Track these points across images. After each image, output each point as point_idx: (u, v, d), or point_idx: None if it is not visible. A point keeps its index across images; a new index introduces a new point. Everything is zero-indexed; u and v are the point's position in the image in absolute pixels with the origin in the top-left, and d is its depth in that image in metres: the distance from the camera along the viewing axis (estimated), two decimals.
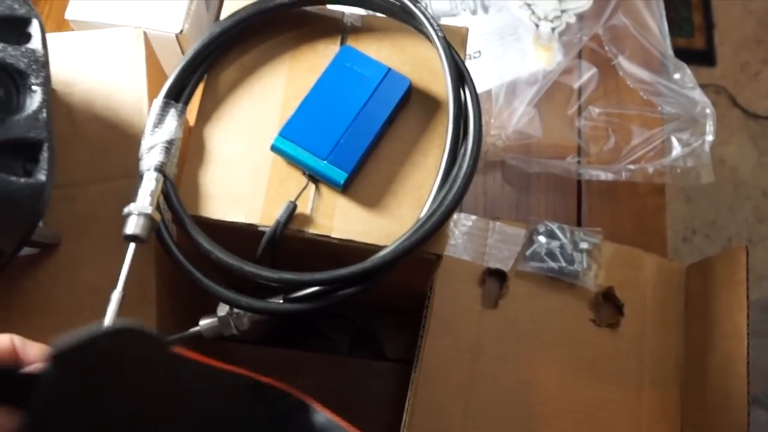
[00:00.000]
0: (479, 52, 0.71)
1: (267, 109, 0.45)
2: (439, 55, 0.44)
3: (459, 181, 0.41)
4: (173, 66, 0.44)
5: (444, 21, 0.71)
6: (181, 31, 0.58)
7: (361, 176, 0.43)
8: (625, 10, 0.73)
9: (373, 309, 0.65)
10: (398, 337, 0.65)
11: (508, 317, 0.60)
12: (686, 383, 0.59)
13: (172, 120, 0.43)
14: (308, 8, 0.47)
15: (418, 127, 0.45)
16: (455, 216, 0.63)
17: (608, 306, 0.61)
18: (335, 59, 0.45)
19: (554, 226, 0.62)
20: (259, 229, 0.42)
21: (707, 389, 0.56)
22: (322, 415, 0.32)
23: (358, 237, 0.42)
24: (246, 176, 0.43)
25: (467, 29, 0.47)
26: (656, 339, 0.61)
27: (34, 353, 0.31)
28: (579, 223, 0.68)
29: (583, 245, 0.62)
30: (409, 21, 0.46)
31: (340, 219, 0.42)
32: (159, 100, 0.43)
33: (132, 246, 0.38)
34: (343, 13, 0.47)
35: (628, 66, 0.70)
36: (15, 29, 0.40)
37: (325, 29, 0.47)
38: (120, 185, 0.46)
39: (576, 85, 0.71)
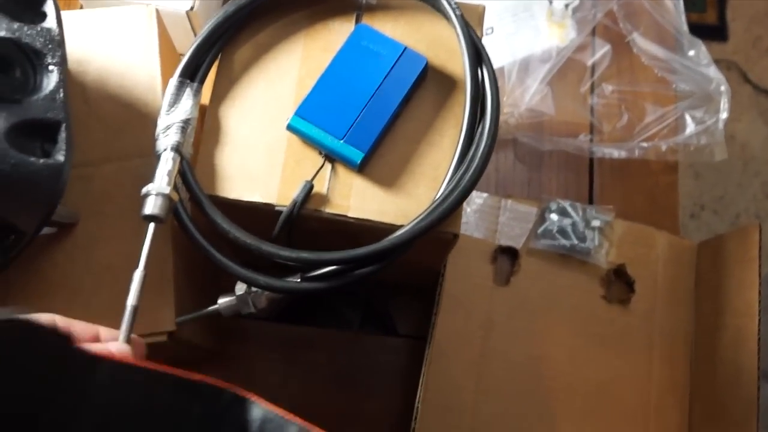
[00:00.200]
0: (492, 28, 0.70)
1: (282, 88, 0.45)
2: (457, 33, 0.44)
3: (476, 161, 0.41)
4: (183, 43, 0.44)
5: None
6: (192, 7, 0.57)
7: (378, 156, 0.43)
8: None
9: (389, 287, 0.65)
10: (410, 313, 0.65)
11: (519, 294, 0.60)
12: (696, 359, 0.60)
13: (187, 99, 0.43)
14: None
15: (435, 106, 0.44)
16: None
17: (619, 283, 0.62)
18: (350, 37, 0.45)
19: (566, 204, 0.62)
20: (276, 208, 0.42)
21: (717, 365, 0.57)
22: (262, 408, 0.31)
23: (375, 216, 0.42)
24: (262, 156, 0.43)
25: (484, 7, 0.47)
26: (666, 315, 0.61)
27: (81, 330, 0.32)
28: (591, 201, 0.68)
29: (595, 223, 0.62)
30: None
31: (356, 198, 0.42)
32: (174, 80, 0.43)
33: (152, 226, 0.38)
34: None
35: (642, 43, 0.69)
36: (30, 8, 0.39)
37: (339, 7, 0.47)
38: (134, 164, 0.46)
39: (589, 63, 0.71)
